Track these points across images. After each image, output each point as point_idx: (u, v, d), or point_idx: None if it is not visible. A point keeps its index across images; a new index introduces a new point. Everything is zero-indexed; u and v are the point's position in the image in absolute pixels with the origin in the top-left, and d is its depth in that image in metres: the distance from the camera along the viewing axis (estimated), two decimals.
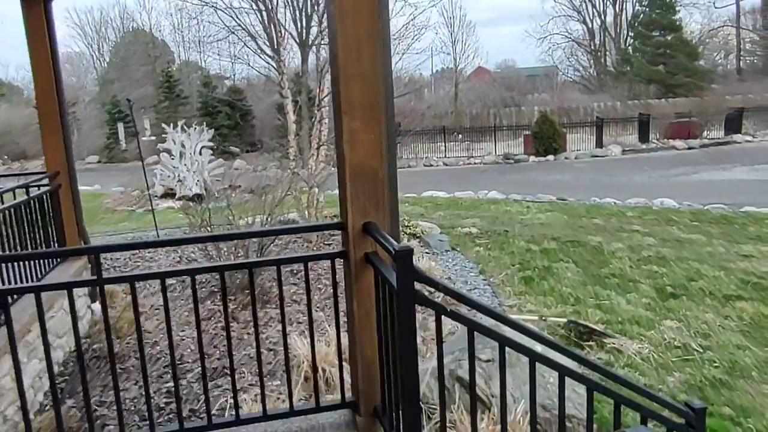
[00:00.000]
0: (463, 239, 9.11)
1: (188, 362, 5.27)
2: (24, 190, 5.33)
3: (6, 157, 30.69)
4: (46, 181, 5.95)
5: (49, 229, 5.78)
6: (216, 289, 7.05)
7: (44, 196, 5.66)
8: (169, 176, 16.64)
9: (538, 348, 2.25)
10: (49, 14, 5.69)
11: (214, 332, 5.87)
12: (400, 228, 9.17)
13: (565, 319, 5.64)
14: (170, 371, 5.23)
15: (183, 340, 5.70)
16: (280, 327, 5.99)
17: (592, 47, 50.84)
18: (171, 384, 4.95)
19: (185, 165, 16.48)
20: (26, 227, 5.32)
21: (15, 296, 4.52)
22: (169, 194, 16.50)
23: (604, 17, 48.98)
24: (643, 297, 6.84)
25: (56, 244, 5.87)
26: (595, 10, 48.90)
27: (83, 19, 39.57)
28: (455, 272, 7.42)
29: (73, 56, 39.70)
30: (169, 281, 7.76)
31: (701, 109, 30.46)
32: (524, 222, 10.44)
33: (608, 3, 48.40)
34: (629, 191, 15.15)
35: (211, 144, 17.49)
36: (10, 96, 37.01)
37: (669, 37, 42.29)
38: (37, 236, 5.53)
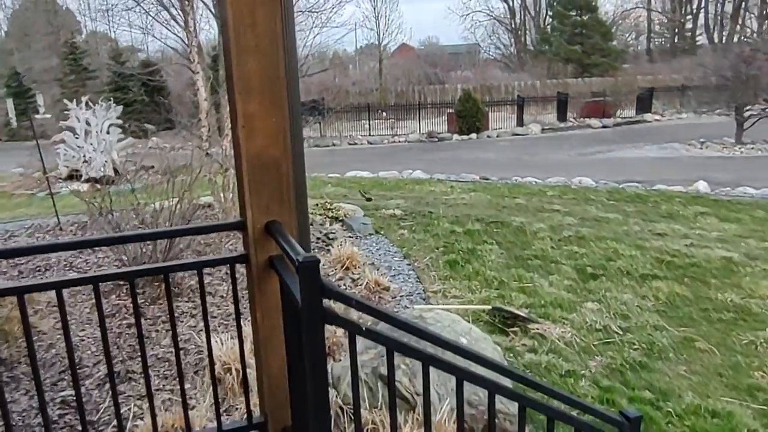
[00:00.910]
0: (387, 222, 8.87)
1: (87, 366, 4.77)
2: None
3: None
4: None
5: None
6: (122, 283, 6.49)
7: None
8: (73, 156, 15.49)
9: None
10: None
11: (119, 330, 5.37)
12: (324, 211, 8.83)
13: (489, 306, 5.51)
14: (66, 378, 4.76)
15: (83, 341, 5.18)
16: (191, 323, 5.59)
17: (513, 26, 51.75)
18: (66, 393, 4.47)
19: (91, 144, 15.38)
20: None
21: None
22: (75, 176, 15.37)
23: None
24: (565, 279, 6.84)
25: None
26: None
27: None
28: (379, 257, 7.18)
29: None
30: (71, 275, 7.13)
31: (615, 88, 31.56)
32: (448, 202, 10.31)
33: None
34: (549, 170, 15.42)
35: (119, 122, 16.38)
36: None
37: (585, 17, 43.54)
38: None
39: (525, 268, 7.07)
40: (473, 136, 25.54)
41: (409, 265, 6.87)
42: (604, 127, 27.55)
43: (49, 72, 31.56)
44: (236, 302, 2.27)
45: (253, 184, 1.98)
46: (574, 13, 43.82)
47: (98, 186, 14.55)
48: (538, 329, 5.50)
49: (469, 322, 5.07)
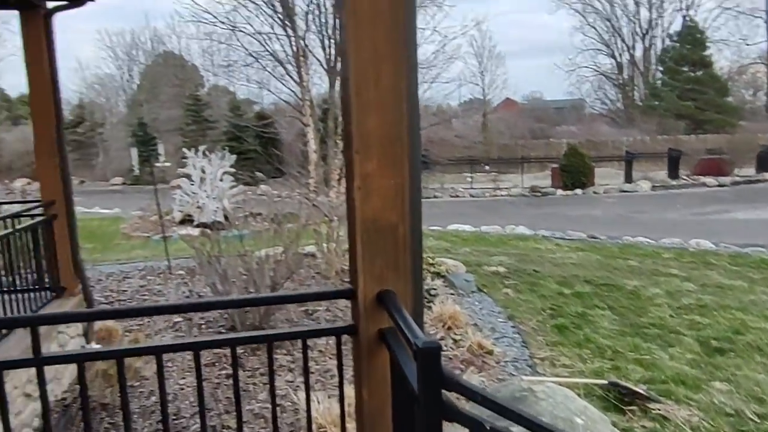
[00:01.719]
0: (490, 279, 8.52)
1: (185, 417, 4.75)
2: (12, 221, 4.91)
3: (29, 180, 30.89)
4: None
5: (42, 263, 5.36)
6: (224, 330, 6.56)
7: (38, 227, 5.25)
8: (188, 202, 16.31)
9: None
10: (50, 29, 5.34)
11: (217, 381, 5.34)
12: (425, 266, 8.62)
13: (604, 381, 5.02)
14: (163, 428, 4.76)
15: (182, 389, 5.19)
16: (288, 377, 5.48)
17: (621, 81, 50.27)
18: None
19: (205, 191, 16.15)
20: (15, 261, 4.90)
21: None
22: (187, 220, 16.15)
23: (633, 51, 48.42)
24: (687, 352, 6.17)
25: (49, 281, 5.43)
26: (624, 44, 48.37)
27: (114, 41, 40.08)
28: (482, 317, 6.83)
29: (104, 78, 40.20)
30: (176, 319, 7.30)
31: (732, 146, 29.62)
32: (555, 261, 9.81)
33: (637, 37, 47.89)
34: (662, 229, 14.44)
35: (232, 170, 17.16)
36: None
37: (699, 73, 41.60)
38: (28, 271, 5.10)
39: (641, 337, 6.47)
40: (578, 191, 24.64)
41: (514, 327, 6.48)
42: (720, 185, 25.75)
43: (173, 122, 33.94)
44: (341, 377, 2.08)
45: (366, 250, 1.82)
46: (686, 69, 42.00)
47: (209, 231, 15.21)
48: (659, 409, 4.93)
49: (581, 396, 4.62)
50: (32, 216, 5.39)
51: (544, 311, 7.01)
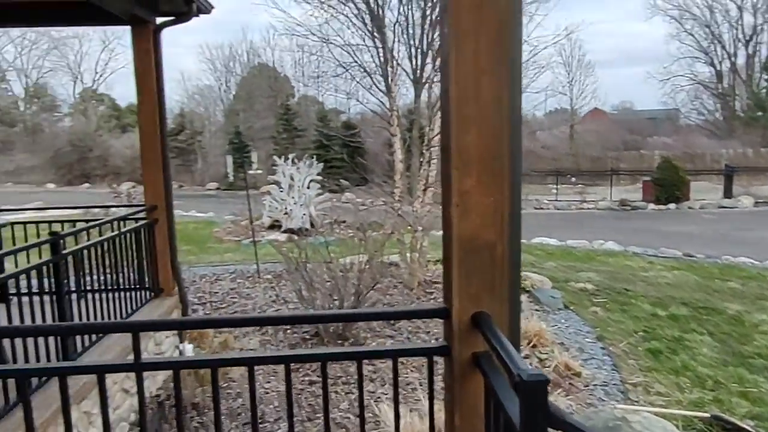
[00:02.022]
0: (578, 296, 8.21)
1: (269, 422, 4.84)
2: (119, 223, 5.19)
3: (134, 183, 32.80)
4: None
5: (144, 264, 5.63)
6: (308, 336, 6.67)
7: (140, 230, 5.52)
8: (277, 208, 16.82)
9: None
10: (158, 43, 5.64)
11: (301, 387, 5.42)
12: None
13: (706, 414, 4.69)
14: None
15: (267, 393, 5.30)
16: (370, 387, 5.48)
17: (720, 90, 47.45)
18: None
19: (293, 198, 16.59)
20: (120, 261, 5.18)
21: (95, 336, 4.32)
22: (275, 226, 16.64)
23: (735, 59, 45.57)
24: None
25: (148, 282, 5.70)
26: (725, 52, 45.59)
27: (214, 54, 41.94)
28: (569, 336, 6.58)
29: (203, 88, 42.17)
30: None
31: None
32: (647, 280, 9.33)
33: (740, 44, 45.05)
34: (764, 248, 13.41)
35: (319, 178, 17.55)
36: None
37: None
38: (130, 271, 5.37)
39: (746, 367, 6.02)
40: (671, 206, 23.39)
41: (604, 349, 6.19)
42: None
43: (266, 130, 35.13)
44: (431, 400, 2.03)
45: (462, 269, 1.76)
46: None
47: (295, 237, 15.59)
48: None
49: (680, 429, 4.35)
50: (136, 219, 5.68)
51: (636, 333, 6.67)
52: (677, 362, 5.90)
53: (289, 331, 7.09)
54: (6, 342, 3.27)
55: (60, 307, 3.93)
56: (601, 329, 6.76)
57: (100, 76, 46.48)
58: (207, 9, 6.00)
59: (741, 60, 45.35)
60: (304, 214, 16.40)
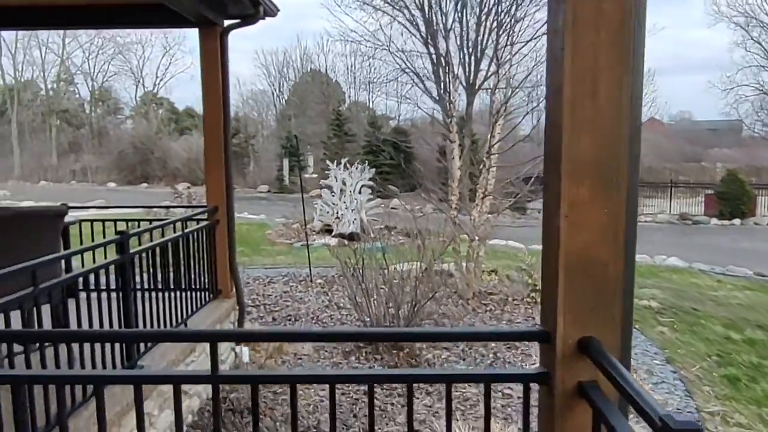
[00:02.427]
0: (642, 314, 7.84)
1: (324, 431, 4.73)
2: (182, 224, 5.19)
3: (189, 184, 33.61)
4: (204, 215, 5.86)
5: (204, 265, 5.63)
6: (363, 345, 6.55)
7: (201, 232, 5.52)
8: (328, 212, 16.83)
9: None
10: (224, 46, 5.64)
11: (356, 396, 5.30)
12: None
13: None
14: None
15: (322, 401, 5.20)
16: (426, 401, 5.32)
17: None
18: None
19: (344, 202, 16.58)
20: (182, 262, 5.18)
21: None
22: (326, 230, 16.65)
23: None
24: None
25: (208, 284, 5.69)
26: None
27: (269, 59, 42.72)
28: (635, 356, 6.25)
29: (257, 93, 42.95)
30: (316, 328, 7.44)
31: None
32: (717, 300, 8.85)
33: None
34: None
35: (371, 183, 17.50)
36: (201, 127, 40.81)
37: None
38: (191, 272, 5.36)
39: None
40: (736, 221, 22.40)
41: (675, 372, 5.85)
42: None
43: (317, 135, 35.46)
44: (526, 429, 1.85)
45: (569, 288, 1.59)
46: None
47: (345, 242, 15.57)
48: None
49: None
50: (198, 220, 5.69)
51: (709, 357, 6.29)
52: (758, 391, 5.51)
53: (344, 345, 6.98)
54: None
55: (125, 306, 3.93)
56: (671, 351, 6.41)
57: (161, 80, 47.99)
58: (273, 11, 5.99)
59: None
60: (355, 219, 16.36)
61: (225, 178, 5.81)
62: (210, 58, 5.63)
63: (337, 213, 16.55)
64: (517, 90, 7.90)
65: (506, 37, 8.26)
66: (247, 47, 41.91)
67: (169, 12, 5.22)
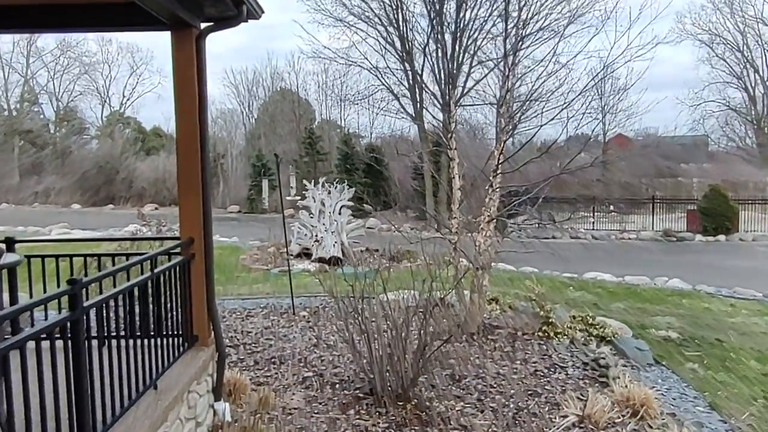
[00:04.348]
0: (664, 348, 7.16)
1: None
2: (151, 262, 4.29)
3: (156, 205, 32.37)
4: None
5: (177, 308, 4.72)
6: (362, 395, 5.68)
7: (174, 270, 4.63)
8: (306, 235, 15.89)
9: None
10: (201, 52, 4.81)
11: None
12: (585, 326, 7.40)
13: None
14: None
15: None
16: None
17: (754, 116, 46.12)
18: None
19: (323, 224, 15.67)
20: (151, 306, 4.29)
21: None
22: (304, 254, 15.70)
23: None
24: None
25: (182, 330, 4.79)
26: (758, 76, 44.38)
27: (238, 78, 41.85)
28: (675, 403, 5.53)
29: (226, 113, 41.97)
30: (306, 373, 6.54)
31: None
32: (738, 328, 8.23)
33: None
34: None
35: (351, 203, 16.67)
36: (169, 146, 39.69)
37: None
38: (160, 316, 4.46)
39: None
40: (721, 237, 22.15)
41: (723, 422, 5.13)
42: None
43: (288, 154, 34.56)
44: None
45: None
46: None
47: (326, 267, 14.65)
48: None
49: None
50: (170, 254, 4.81)
51: (755, 400, 5.60)
52: None
53: (337, 385, 6.13)
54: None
55: (76, 364, 3.04)
56: (711, 394, 5.70)
57: (127, 99, 46.76)
58: (257, 13, 5.18)
59: None
60: (336, 242, 15.45)
61: (202, 205, 4.94)
62: (184, 65, 4.78)
63: (317, 236, 15.63)
64: (526, 104, 7.18)
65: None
66: (216, 67, 40.91)
67: (139, 13, 4.40)
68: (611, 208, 27.80)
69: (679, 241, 22.37)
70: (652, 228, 24.71)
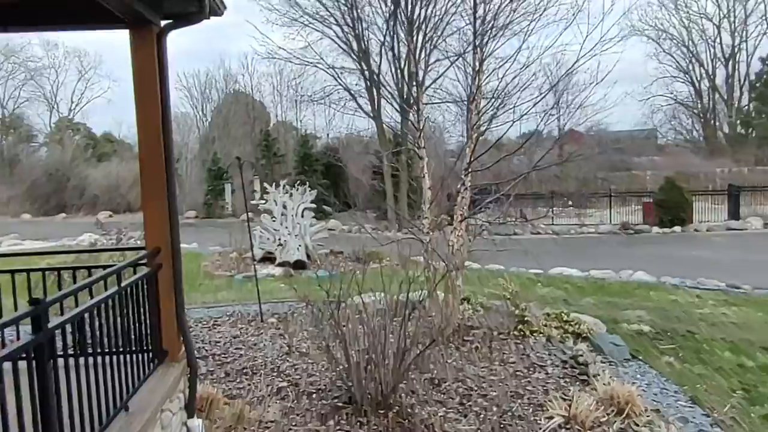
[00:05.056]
0: (639, 342, 7.18)
1: None
2: (116, 276, 4.00)
3: (111, 212, 31.41)
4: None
5: (146, 322, 4.44)
6: (341, 404, 5.49)
7: (141, 283, 4.35)
8: (268, 239, 15.55)
9: None
10: (162, 50, 4.54)
11: None
12: (560, 324, 7.37)
13: None
14: None
15: None
16: None
17: (700, 109, 47.65)
18: None
19: (286, 228, 15.37)
20: (117, 322, 4.00)
21: None
22: (268, 258, 15.36)
23: (714, 78, 45.78)
24: None
25: (150, 343, 4.51)
26: (703, 70, 45.82)
27: (191, 82, 40.94)
28: (656, 398, 5.51)
29: (179, 116, 41.05)
30: (280, 384, 6.31)
31: None
32: (707, 319, 8.33)
33: (719, 63, 45.26)
34: None
35: (313, 205, 16.40)
36: (121, 152, 38.59)
37: None
38: (128, 332, 4.17)
39: None
40: (677, 229, 22.66)
41: (706, 416, 5.13)
42: None
43: (244, 157, 33.83)
44: None
45: None
46: None
47: (291, 271, 14.37)
48: None
49: None
50: (135, 266, 4.52)
51: (734, 392, 5.62)
52: None
53: (314, 395, 5.92)
54: None
55: (42, 390, 2.77)
56: (689, 387, 5.72)
57: (76, 105, 45.27)
58: (220, 9, 4.94)
59: (720, 79, 45.60)
60: (300, 246, 15.17)
61: (168, 212, 4.66)
62: (145, 66, 4.50)
63: (280, 240, 15.31)
64: (499, 101, 7.11)
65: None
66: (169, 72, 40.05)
67: (96, 11, 4.11)
68: (569, 202, 28.20)
69: (636, 234, 22.81)
70: (610, 221, 25.14)
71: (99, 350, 3.74)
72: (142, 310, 4.38)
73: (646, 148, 46.61)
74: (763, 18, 42.55)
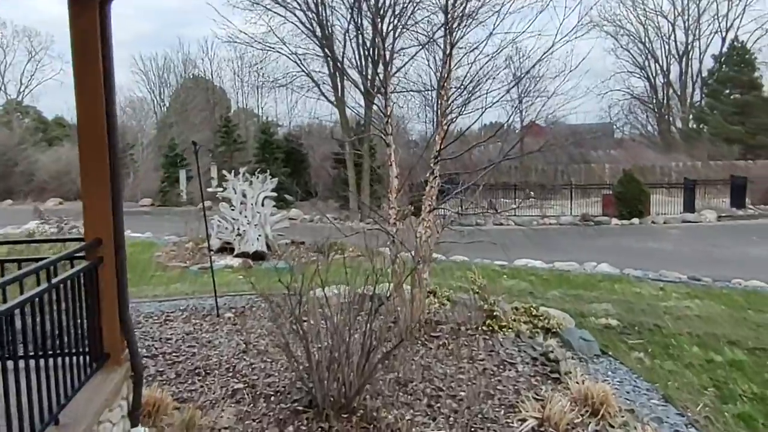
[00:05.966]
0: (607, 336, 7.03)
1: None
2: (48, 270, 3.56)
3: (61, 199, 30.16)
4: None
5: (83, 322, 4.00)
6: (301, 408, 5.13)
7: (78, 278, 3.91)
8: (227, 228, 15.00)
9: None
10: (106, 23, 4.07)
11: None
12: (529, 318, 7.15)
13: None
14: None
15: None
16: None
17: (655, 104, 48.63)
18: None
19: (246, 217, 14.84)
20: (51, 321, 3.56)
21: None
22: (226, 249, 14.82)
23: (668, 73, 46.77)
24: None
25: (90, 345, 4.08)
26: (658, 66, 46.75)
27: (148, 65, 39.67)
28: (630, 398, 5.33)
29: (135, 101, 39.73)
30: (236, 385, 5.91)
31: None
32: (671, 312, 8.27)
33: (673, 59, 46.22)
34: (754, 267, 12.68)
35: (274, 194, 15.89)
36: (73, 137, 37.07)
37: (748, 96, 39.88)
38: (64, 332, 3.74)
39: None
40: (635, 221, 22.97)
41: (681, 415, 4.97)
42: None
43: (203, 143, 32.98)
44: None
45: None
46: (733, 91, 40.37)
47: (250, 262, 13.89)
48: None
49: None
50: (72, 259, 4.08)
51: (705, 389, 5.49)
52: None
53: (272, 397, 5.54)
54: None
55: None
56: (661, 384, 5.56)
57: (26, 87, 43.36)
58: None
59: (674, 75, 46.58)
60: (260, 236, 14.68)
61: (111, 200, 4.21)
62: (86, 38, 4.02)
63: (239, 229, 14.78)
64: (468, 88, 6.81)
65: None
66: (123, 54, 38.54)
67: None
68: (531, 194, 28.31)
69: (596, 225, 22.99)
70: (571, 213, 25.33)
71: (30, 353, 3.33)
72: (79, 307, 3.94)
73: (603, 141, 47.34)
74: (716, 17, 43.61)
